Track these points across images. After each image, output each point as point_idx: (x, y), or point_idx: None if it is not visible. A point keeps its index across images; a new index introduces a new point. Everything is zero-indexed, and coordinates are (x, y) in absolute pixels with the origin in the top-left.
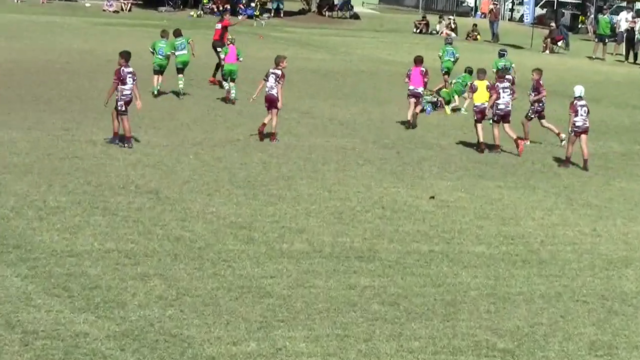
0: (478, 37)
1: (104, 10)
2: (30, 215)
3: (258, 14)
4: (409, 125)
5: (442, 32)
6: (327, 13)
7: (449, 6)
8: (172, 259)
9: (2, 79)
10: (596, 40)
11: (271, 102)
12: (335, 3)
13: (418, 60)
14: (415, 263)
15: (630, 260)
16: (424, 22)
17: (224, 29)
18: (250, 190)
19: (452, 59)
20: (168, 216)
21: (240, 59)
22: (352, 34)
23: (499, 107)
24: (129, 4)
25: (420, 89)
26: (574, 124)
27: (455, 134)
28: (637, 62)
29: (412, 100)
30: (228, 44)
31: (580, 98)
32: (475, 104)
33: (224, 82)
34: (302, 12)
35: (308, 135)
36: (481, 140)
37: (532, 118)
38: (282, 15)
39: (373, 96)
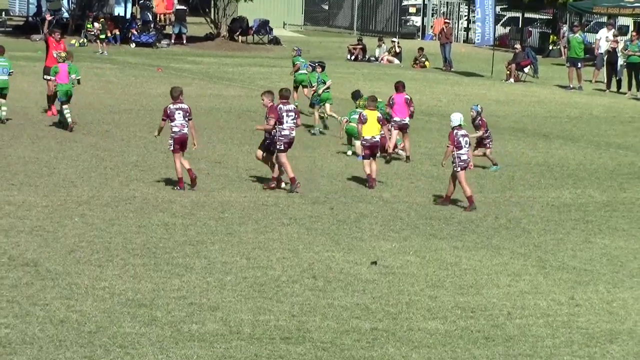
0: (427, 63)
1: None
2: None
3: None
4: (407, 159)
5: (382, 58)
6: (240, 38)
7: (390, 26)
8: (56, 347)
9: None
10: (568, 64)
11: (183, 144)
12: (250, 25)
13: (400, 86)
14: (355, 344)
15: (616, 334)
16: (360, 46)
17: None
18: (151, 260)
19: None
20: (50, 294)
21: (73, 76)
22: (273, 63)
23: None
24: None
25: (407, 120)
26: (459, 158)
27: (401, 184)
28: (620, 90)
29: (395, 132)
30: (58, 63)
31: (460, 127)
32: (364, 137)
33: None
34: (209, 37)
35: (220, 189)
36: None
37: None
38: (185, 41)
39: (298, 139)
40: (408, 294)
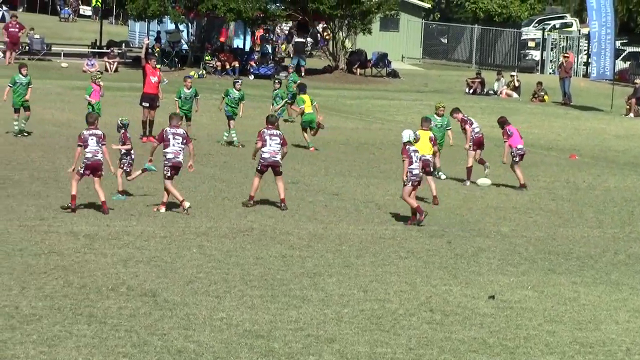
0: (546, 97)
1: (84, 72)
2: None
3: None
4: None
5: (501, 92)
6: (358, 71)
7: (509, 60)
8: None
9: None
10: None
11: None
12: (369, 58)
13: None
14: None
15: None
16: (479, 79)
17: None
18: (268, 291)
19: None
20: (168, 324)
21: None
22: (391, 96)
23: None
24: (115, 63)
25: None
26: (411, 173)
27: (519, 218)
28: None
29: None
30: (92, 82)
31: (410, 143)
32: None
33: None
34: (328, 69)
35: (338, 221)
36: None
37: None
38: (303, 73)
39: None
40: (526, 328)
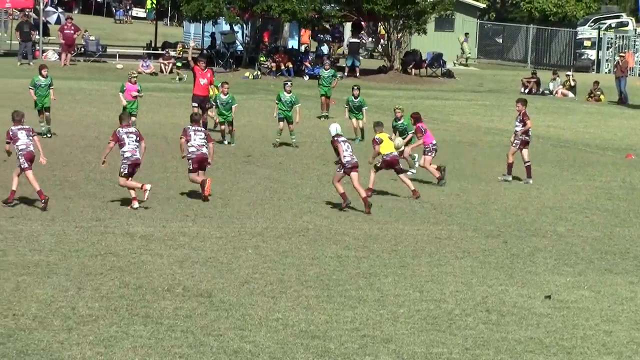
0: (602, 97)
1: (139, 73)
2: (56, 325)
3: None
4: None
5: (556, 92)
6: (413, 71)
7: (564, 60)
8: None
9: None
10: None
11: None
12: (424, 58)
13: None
14: None
15: None
16: (534, 79)
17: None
18: (324, 291)
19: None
20: (224, 324)
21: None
22: (445, 96)
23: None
24: (170, 65)
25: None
26: (344, 161)
27: (575, 218)
28: None
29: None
30: (127, 82)
31: (338, 135)
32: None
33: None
34: (382, 70)
35: (393, 222)
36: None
37: (520, 149)
38: (358, 74)
39: (472, 173)
40: (582, 328)
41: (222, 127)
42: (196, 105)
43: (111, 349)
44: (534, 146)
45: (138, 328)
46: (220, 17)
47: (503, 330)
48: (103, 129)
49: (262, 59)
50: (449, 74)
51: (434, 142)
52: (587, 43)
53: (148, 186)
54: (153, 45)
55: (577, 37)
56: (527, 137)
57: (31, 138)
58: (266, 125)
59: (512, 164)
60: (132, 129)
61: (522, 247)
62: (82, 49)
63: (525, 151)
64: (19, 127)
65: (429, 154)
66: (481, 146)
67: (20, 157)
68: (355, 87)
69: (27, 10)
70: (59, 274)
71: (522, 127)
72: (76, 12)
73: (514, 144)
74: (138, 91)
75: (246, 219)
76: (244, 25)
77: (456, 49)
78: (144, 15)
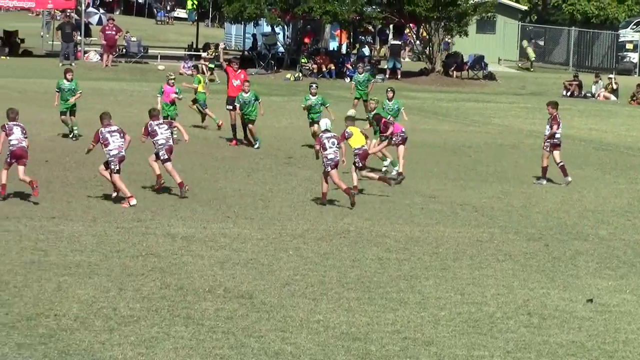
0: None
1: (180, 74)
2: (97, 325)
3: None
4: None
5: (598, 95)
6: (455, 73)
7: (606, 62)
8: None
9: (60, 159)
10: None
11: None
12: (465, 61)
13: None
14: None
15: None
16: (576, 82)
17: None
18: (365, 293)
19: None
20: (265, 326)
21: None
22: (487, 99)
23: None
24: (203, 66)
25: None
26: (327, 158)
27: (617, 221)
28: None
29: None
30: (165, 84)
31: (326, 131)
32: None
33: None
34: (424, 72)
35: (434, 224)
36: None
37: (551, 151)
38: (399, 76)
39: (514, 176)
40: (625, 332)
41: (251, 126)
42: (231, 107)
43: (152, 349)
44: (575, 149)
45: (179, 329)
46: (262, 19)
47: (544, 333)
48: None
49: (303, 60)
50: (490, 77)
51: (404, 131)
52: (629, 46)
53: (133, 201)
54: (195, 46)
55: (619, 40)
56: (556, 140)
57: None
58: (307, 127)
59: (546, 167)
60: (114, 127)
61: (563, 250)
62: (124, 50)
63: (556, 153)
64: (14, 123)
65: (395, 140)
66: (523, 149)
67: (8, 153)
68: (389, 90)
69: (69, 11)
70: (100, 274)
71: (551, 130)
72: (118, 13)
73: (545, 148)
74: (176, 93)
75: (287, 220)
76: (285, 27)
77: (497, 50)
78: (185, 16)
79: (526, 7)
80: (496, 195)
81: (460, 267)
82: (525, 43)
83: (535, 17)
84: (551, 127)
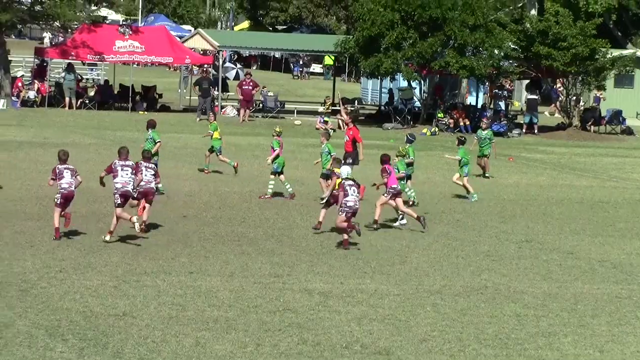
0: None
1: (317, 129)
2: None
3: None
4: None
5: None
6: (592, 128)
7: None
8: None
9: (198, 214)
10: None
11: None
12: (603, 115)
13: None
14: None
15: None
16: None
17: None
18: (502, 350)
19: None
20: None
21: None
22: (625, 154)
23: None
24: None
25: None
26: (346, 204)
27: None
28: None
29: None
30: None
31: (347, 179)
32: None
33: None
34: (561, 127)
35: (573, 280)
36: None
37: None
38: (536, 131)
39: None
40: None
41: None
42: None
43: None
44: None
45: None
46: (398, 73)
47: None
48: (282, 186)
49: (440, 115)
50: (628, 131)
51: (395, 186)
52: None
53: (135, 218)
54: (331, 101)
55: None
56: None
57: (75, 178)
58: (444, 183)
59: None
60: (129, 162)
61: None
62: (261, 105)
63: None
64: (65, 166)
65: (386, 195)
66: None
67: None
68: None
69: (206, 66)
70: (237, 329)
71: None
72: (254, 67)
73: None
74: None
75: (424, 276)
76: (422, 82)
77: (636, 105)
78: (320, 70)
79: None
80: (635, 252)
81: (599, 324)
82: None
83: None
84: None
